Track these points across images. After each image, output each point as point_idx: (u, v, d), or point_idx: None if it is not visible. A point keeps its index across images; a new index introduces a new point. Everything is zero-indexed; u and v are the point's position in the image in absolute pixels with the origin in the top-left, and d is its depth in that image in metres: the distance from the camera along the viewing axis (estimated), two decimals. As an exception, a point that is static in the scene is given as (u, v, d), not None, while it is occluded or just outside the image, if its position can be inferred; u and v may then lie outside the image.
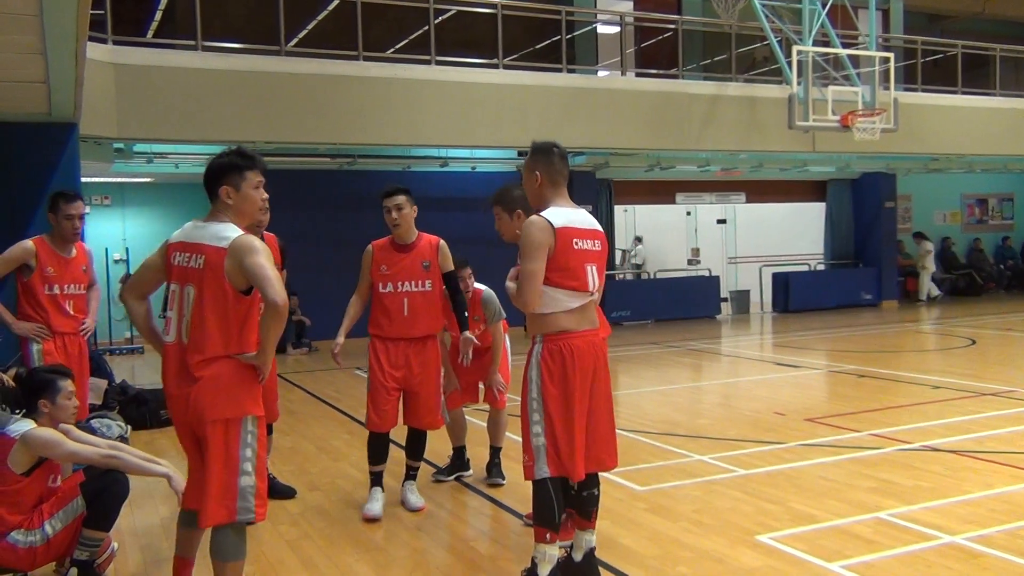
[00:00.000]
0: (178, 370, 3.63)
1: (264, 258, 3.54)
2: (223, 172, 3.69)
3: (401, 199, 5.44)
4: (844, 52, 14.48)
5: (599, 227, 4.23)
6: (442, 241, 5.60)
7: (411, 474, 5.72)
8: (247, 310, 3.64)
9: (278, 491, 5.74)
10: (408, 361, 5.45)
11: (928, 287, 19.82)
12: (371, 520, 5.35)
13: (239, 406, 3.58)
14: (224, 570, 3.65)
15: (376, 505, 5.43)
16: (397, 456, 5.87)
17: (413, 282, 5.44)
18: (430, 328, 5.51)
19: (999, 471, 5.98)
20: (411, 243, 5.51)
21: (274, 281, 3.51)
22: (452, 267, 5.56)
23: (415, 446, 5.70)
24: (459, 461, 6.24)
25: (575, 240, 4.05)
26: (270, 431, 5.77)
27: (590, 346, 4.07)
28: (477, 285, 5.98)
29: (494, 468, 6.11)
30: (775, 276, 18.71)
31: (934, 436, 7.00)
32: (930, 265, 19.82)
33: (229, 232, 3.61)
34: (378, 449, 5.55)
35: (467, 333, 5.60)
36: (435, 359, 5.55)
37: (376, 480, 5.54)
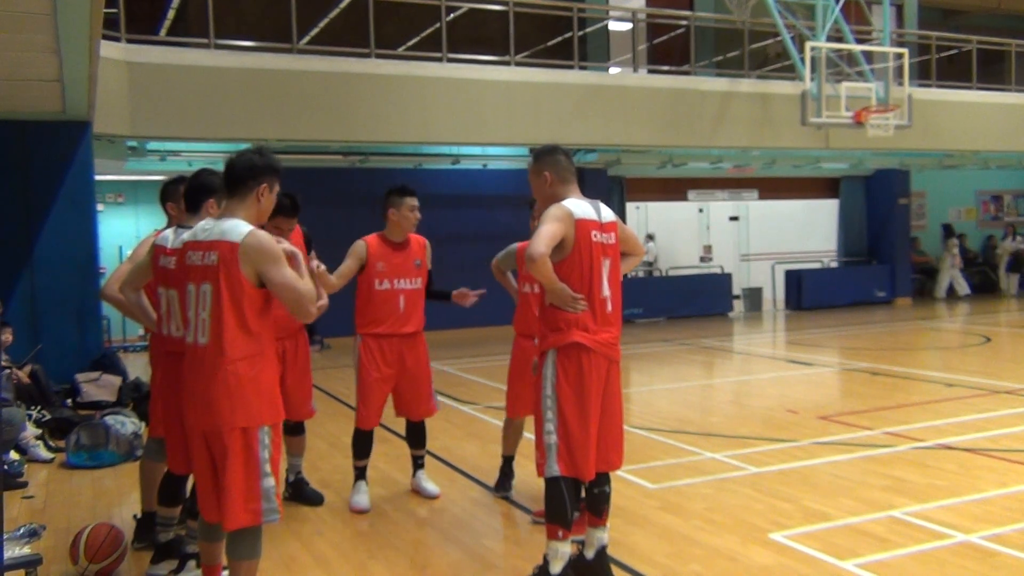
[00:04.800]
0: (195, 371, 3.64)
1: (283, 266, 3.58)
2: (267, 170, 3.73)
3: (417, 200, 5.62)
4: (858, 48, 14.41)
5: (614, 217, 4.24)
6: (427, 241, 5.77)
7: (419, 463, 5.88)
8: (264, 303, 3.65)
9: (307, 496, 5.73)
10: (401, 357, 5.58)
11: (946, 284, 19.71)
12: (360, 512, 5.49)
13: (257, 415, 3.59)
14: (240, 569, 3.66)
15: (364, 497, 5.60)
16: (403, 452, 5.89)
17: (408, 279, 5.59)
18: (420, 324, 5.67)
19: (1014, 469, 5.95)
20: (405, 241, 5.63)
21: (301, 293, 3.57)
22: (430, 266, 5.77)
23: (418, 436, 5.84)
24: (509, 471, 5.97)
25: (594, 232, 4.06)
26: (302, 429, 5.81)
27: (605, 347, 4.06)
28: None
29: None
30: (788, 273, 18.64)
31: (948, 434, 6.96)
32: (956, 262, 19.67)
33: (242, 228, 3.62)
34: (365, 445, 5.68)
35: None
36: (425, 352, 5.72)
37: (361, 474, 5.69)
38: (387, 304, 5.52)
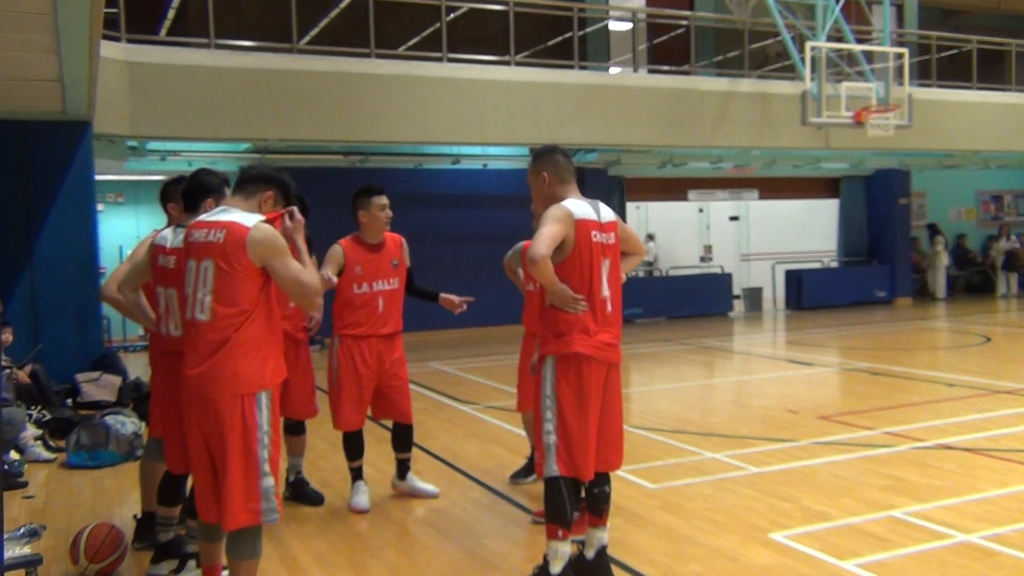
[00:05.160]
0: (192, 347, 3.66)
1: (288, 258, 3.65)
2: (279, 185, 3.83)
3: (387, 198, 5.49)
4: (858, 48, 14.41)
5: (614, 216, 4.23)
6: (403, 239, 5.68)
7: (407, 466, 5.78)
8: (264, 281, 3.67)
9: (307, 496, 5.72)
10: (380, 358, 5.50)
11: (944, 283, 19.76)
12: (360, 512, 5.45)
13: (247, 381, 3.59)
14: (240, 568, 3.67)
15: (363, 498, 5.53)
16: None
17: (386, 280, 5.51)
18: (398, 324, 5.60)
19: (1014, 469, 5.95)
20: (380, 242, 5.53)
21: (304, 284, 3.64)
22: (408, 263, 5.70)
23: (405, 439, 5.74)
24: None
25: (593, 232, 4.05)
26: (303, 429, 5.80)
27: (605, 351, 4.05)
28: None
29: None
30: (788, 273, 18.64)
31: (948, 434, 6.96)
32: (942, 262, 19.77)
33: (250, 219, 3.67)
34: (356, 446, 5.59)
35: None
36: (403, 354, 5.64)
37: (357, 474, 5.61)
38: (366, 307, 5.45)
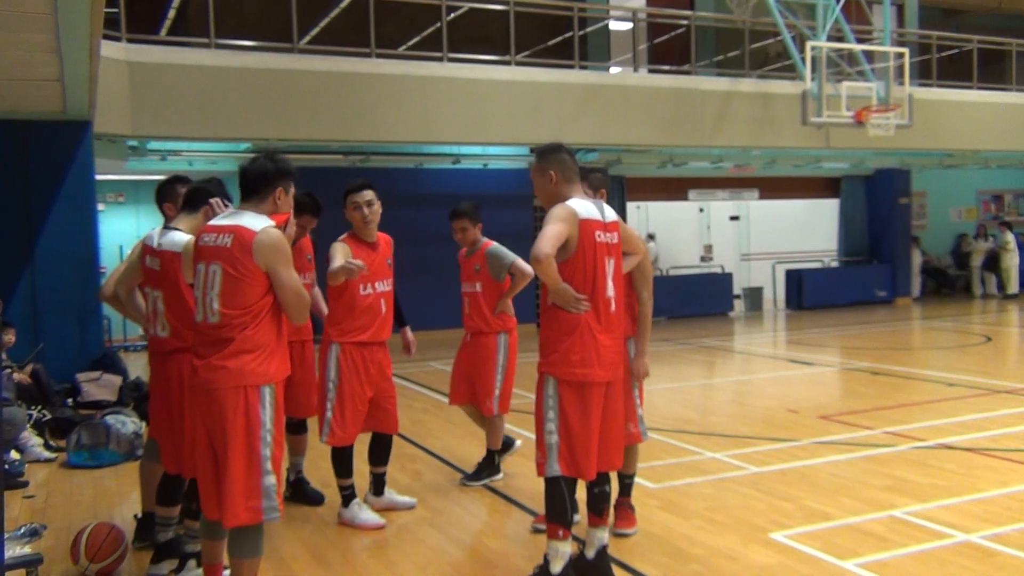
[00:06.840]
0: (202, 344, 3.68)
1: (292, 267, 3.68)
2: (281, 175, 3.79)
3: (371, 194, 5.18)
4: (858, 47, 14.40)
5: (616, 217, 4.23)
6: (391, 238, 5.45)
7: (384, 480, 5.49)
8: (271, 287, 3.68)
9: (307, 496, 5.70)
10: (380, 366, 5.22)
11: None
12: (377, 528, 5.14)
13: (260, 374, 3.61)
14: (242, 567, 3.67)
15: (373, 514, 5.23)
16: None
17: (385, 281, 5.23)
18: (391, 329, 5.31)
19: (1014, 469, 5.95)
20: (376, 241, 5.26)
21: (302, 297, 3.69)
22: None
23: (386, 451, 5.44)
24: (491, 466, 6.02)
25: (597, 232, 4.05)
26: (304, 428, 5.76)
27: (609, 352, 4.05)
28: (484, 239, 6.00)
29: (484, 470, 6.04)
30: (788, 273, 18.63)
31: (949, 434, 6.96)
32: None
33: (260, 222, 3.68)
34: (349, 460, 5.21)
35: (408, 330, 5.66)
36: (390, 360, 5.35)
37: (353, 494, 5.24)
38: (371, 310, 5.11)
